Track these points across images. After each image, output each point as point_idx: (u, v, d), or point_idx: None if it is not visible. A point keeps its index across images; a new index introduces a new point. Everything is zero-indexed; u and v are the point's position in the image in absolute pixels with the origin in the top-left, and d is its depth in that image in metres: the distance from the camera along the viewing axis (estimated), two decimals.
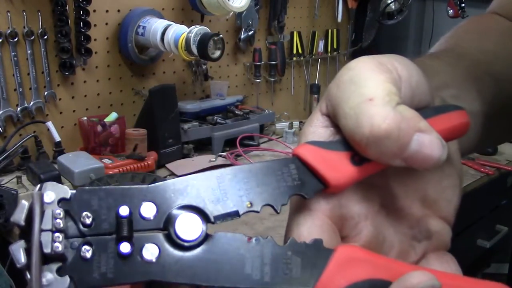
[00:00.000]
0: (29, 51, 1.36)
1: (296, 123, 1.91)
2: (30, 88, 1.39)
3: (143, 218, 0.30)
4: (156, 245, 0.30)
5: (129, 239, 0.29)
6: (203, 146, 1.64)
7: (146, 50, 1.59)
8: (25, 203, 0.28)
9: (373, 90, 0.30)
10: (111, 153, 1.41)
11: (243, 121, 1.71)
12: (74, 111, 1.51)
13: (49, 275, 0.28)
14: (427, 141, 0.29)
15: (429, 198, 0.35)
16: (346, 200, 0.33)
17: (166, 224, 0.30)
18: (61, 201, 0.29)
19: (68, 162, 1.28)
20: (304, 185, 0.32)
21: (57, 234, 0.28)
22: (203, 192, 0.31)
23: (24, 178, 1.27)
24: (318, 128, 0.34)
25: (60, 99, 1.47)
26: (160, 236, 0.30)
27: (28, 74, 1.38)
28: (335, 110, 0.32)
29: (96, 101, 1.56)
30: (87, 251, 0.29)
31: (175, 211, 0.31)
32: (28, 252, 0.28)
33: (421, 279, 0.28)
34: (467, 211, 1.50)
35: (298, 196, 0.32)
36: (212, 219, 0.31)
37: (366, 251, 0.31)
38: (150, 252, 0.30)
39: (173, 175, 1.43)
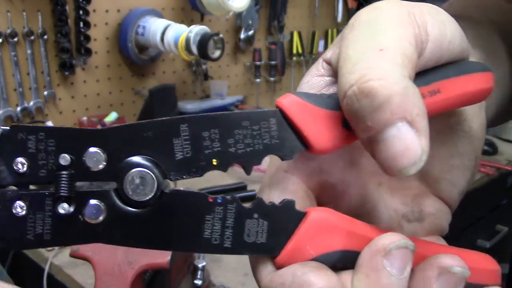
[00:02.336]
0: (29, 51, 1.36)
1: None
2: (30, 88, 1.39)
3: (88, 168, 0.26)
4: (102, 202, 0.26)
5: (68, 199, 0.26)
6: None
7: (146, 50, 1.59)
8: None
9: (389, 42, 0.24)
10: None
11: None
12: (74, 111, 1.51)
13: None
14: (407, 139, 0.23)
15: (430, 175, 0.30)
16: (328, 165, 0.29)
17: (114, 178, 0.26)
18: None
19: None
20: (283, 145, 0.27)
21: None
22: (163, 142, 0.26)
23: None
24: (313, 77, 0.29)
25: (60, 99, 1.47)
26: (107, 191, 0.26)
27: (28, 74, 1.38)
28: (339, 52, 0.26)
29: (96, 101, 1.56)
30: (20, 207, 0.25)
31: (126, 163, 0.26)
32: None
33: (392, 239, 0.25)
34: (467, 211, 1.50)
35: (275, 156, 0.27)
36: (170, 176, 0.27)
37: (341, 216, 0.27)
38: (94, 211, 0.26)
39: None
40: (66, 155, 0.25)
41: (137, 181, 0.26)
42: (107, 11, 1.52)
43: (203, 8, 1.58)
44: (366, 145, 0.25)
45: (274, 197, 0.28)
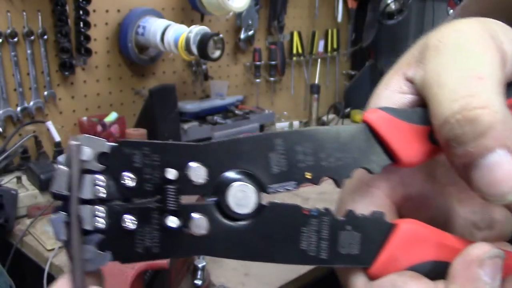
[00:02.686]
0: (29, 51, 1.36)
1: (296, 123, 1.91)
2: (30, 88, 1.39)
3: (191, 182, 0.27)
4: (205, 216, 0.27)
5: (175, 212, 0.26)
6: None
7: (146, 50, 1.59)
8: (64, 169, 0.26)
9: (486, 70, 0.25)
10: None
11: (243, 121, 1.71)
12: (74, 111, 1.51)
13: (90, 251, 0.26)
14: (508, 167, 0.24)
15: None
16: (410, 179, 0.30)
17: (216, 191, 0.27)
18: (100, 156, 0.26)
19: None
20: (371, 159, 0.28)
21: (98, 207, 0.26)
22: (260, 156, 0.27)
23: (24, 178, 1.27)
24: (395, 93, 0.29)
25: (60, 99, 1.47)
26: (209, 205, 0.27)
27: (28, 74, 1.38)
28: (428, 75, 0.27)
29: (96, 101, 1.56)
30: (130, 222, 0.26)
31: (227, 177, 0.27)
32: (68, 225, 0.25)
33: (484, 249, 0.26)
34: None
35: (363, 169, 0.28)
36: (267, 190, 0.28)
37: (430, 228, 0.28)
38: (198, 225, 0.27)
39: None
40: (173, 169, 0.26)
41: (239, 194, 0.27)
42: (107, 11, 1.52)
43: (203, 8, 1.58)
44: (460, 170, 0.25)
45: (358, 211, 0.29)
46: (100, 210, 0.26)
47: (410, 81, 0.29)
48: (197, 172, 0.27)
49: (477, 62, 0.25)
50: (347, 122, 2.13)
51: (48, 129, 1.42)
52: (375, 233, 0.28)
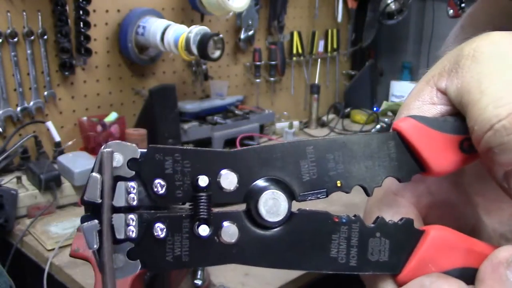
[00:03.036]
0: (29, 51, 1.36)
1: (296, 123, 1.91)
2: (30, 88, 1.39)
3: (222, 189, 0.27)
4: (236, 224, 0.27)
5: (206, 220, 0.26)
6: (203, 146, 1.63)
7: (146, 50, 1.59)
8: (96, 177, 0.26)
9: None
10: None
11: (243, 121, 1.71)
12: (74, 111, 1.51)
13: (120, 259, 0.26)
14: None
15: None
16: (436, 187, 0.30)
17: (247, 199, 0.27)
18: (131, 162, 0.26)
19: (68, 162, 1.27)
20: (401, 167, 0.28)
21: (130, 216, 0.26)
22: (290, 164, 0.27)
23: (24, 178, 1.27)
24: (426, 104, 0.29)
25: (60, 99, 1.47)
26: (239, 213, 0.27)
27: (28, 74, 1.38)
28: (467, 83, 0.27)
29: (96, 101, 1.56)
30: (160, 230, 0.26)
31: (258, 185, 0.27)
32: (100, 234, 0.25)
33: (511, 251, 0.26)
34: None
35: (392, 178, 0.28)
36: (298, 197, 0.28)
37: (459, 234, 0.28)
38: (229, 233, 0.27)
39: None
40: (204, 176, 0.26)
41: (271, 202, 0.27)
42: (107, 11, 1.52)
43: (203, 8, 1.58)
44: (500, 178, 0.25)
45: (386, 219, 0.29)
46: (132, 218, 0.26)
47: (443, 92, 0.29)
48: (229, 179, 0.27)
49: None
50: (347, 122, 2.13)
51: (48, 129, 1.42)
52: (404, 239, 0.28)
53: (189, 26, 1.45)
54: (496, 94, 0.25)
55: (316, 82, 2.23)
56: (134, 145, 0.26)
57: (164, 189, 0.26)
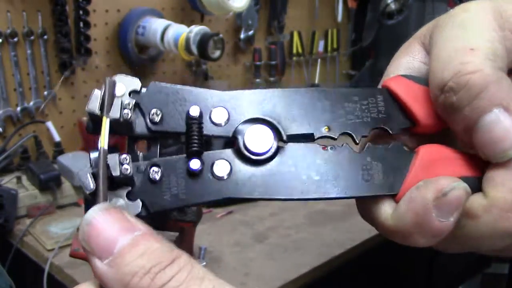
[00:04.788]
0: (29, 51, 1.36)
1: None
2: (30, 88, 1.39)
3: (213, 123, 0.29)
4: (227, 161, 0.28)
5: (198, 155, 0.28)
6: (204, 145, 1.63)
7: (146, 50, 1.59)
8: (98, 92, 0.29)
9: (479, 43, 0.26)
10: None
11: None
12: (74, 111, 1.51)
13: (120, 201, 0.27)
14: (505, 124, 0.25)
15: None
16: (421, 139, 0.31)
17: (235, 133, 0.29)
18: (132, 93, 0.29)
19: (68, 162, 1.27)
20: (390, 119, 0.29)
21: (124, 156, 0.27)
22: (280, 107, 0.29)
23: (24, 178, 1.27)
24: (416, 61, 0.30)
25: (60, 99, 1.47)
26: (229, 152, 0.29)
27: (28, 74, 1.38)
28: (432, 49, 0.29)
29: None
30: (155, 173, 0.28)
31: (247, 122, 0.29)
32: (95, 177, 0.27)
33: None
34: None
35: (381, 130, 0.29)
36: (285, 137, 0.29)
37: (450, 149, 0.28)
38: (221, 168, 0.28)
39: None
40: (196, 106, 0.28)
41: (258, 135, 0.28)
42: (107, 11, 1.52)
43: (203, 8, 1.58)
44: (462, 135, 0.27)
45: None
46: (125, 158, 0.27)
47: (427, 51, 0.30)
48: (219, 114, 0.29)
49: (472, 36, 0.27)
50: None
51: (48, 129, 1.42)
52: (396, 161, 0.28)
53: (189, 26, 1.45)
54: (445, 59, 0.26)
55: (316, 82, 2.23)
56: (137, 78, 0.28)
57: (159, 117, 0.28)
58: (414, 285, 1.48)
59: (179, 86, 0.29)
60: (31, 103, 1.39)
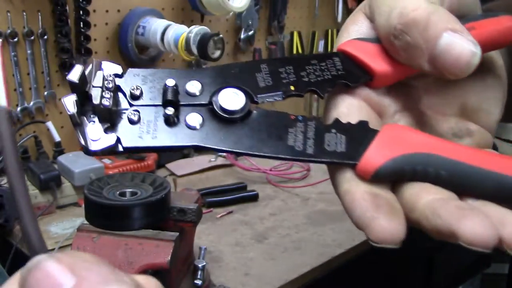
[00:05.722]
0: (29, 51, 1.36)
1: None
2: (30, 88, 1.39)
3: (188, 93, 0.31)
4: (201, 115, 0.31)
5: (174, 104, 0.30)
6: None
7: (146, 50, 1.59)
8: (80, 66, 0.31)
9: None
10: None
11: None
12: None
13: (98, 131, 0.29)
14: (458, 41, 0.28)
15: (468, 107, 0.34)
16: (383, 95, 0.33)
17: (210, 100, 0.31)
18: (114, 76, 0.32)
19: (68, 162, 1.28)
20: (349, 75, 0.32)
21: (106, 92, 0.30)
22: (247, 76, 0.32)
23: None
24: (362, 28, 0.34)
25: (60, 99, 1.47)
26: (204, 109, 0.31)
27: (28, 74, 1.38)
28: (373, 12, 0.33)
29: None
30: (133, 115, 0.30)
31: (220, 89, 0.31)
32: (79, 104, 0.29)
33: None
34: None
35: (342, 84, 0.32)
36: (256, 98, 0.32)
37: (414, 130, 0.30)
38: (194, 119, 0.30)
39: (173, 175, 1.43)
40: (172, 79, 0.31)
41: (230, 95, 0.31)
42: (107, 11, 1.52)
43: (203, 8, 1.58)
44: (430, 68, 0.29)
45: (343, 110, 0.32)
46: (108, 93, 0.30)
47: (370, 19, 0.34)
48: (194, 85, 0.31)
49: None
50: None
51: (48, 129, 1.42)
52: (359, 136, 0.30)
53: (189, 26, 1.45)
54: (387, 10, 0.31)
55: None
56: (119, 65, 0.32)
57: (139, 92, 0.31)
58: (414, 285, 1.48)
59: (154, 69, 0.32)
60: (31, 103, 1.39)
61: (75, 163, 1.27)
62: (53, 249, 1.04)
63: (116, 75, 0.32)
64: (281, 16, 2.01)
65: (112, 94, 0.30)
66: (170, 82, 0.31)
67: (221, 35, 1.46)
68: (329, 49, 2.26)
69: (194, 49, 1.41)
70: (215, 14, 1.62)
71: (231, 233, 1.14)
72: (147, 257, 0.70)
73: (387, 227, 0.27)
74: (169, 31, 1.46)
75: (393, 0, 0.30)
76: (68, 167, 1.26)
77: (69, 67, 1.43)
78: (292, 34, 2.10)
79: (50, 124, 1.41)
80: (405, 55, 0.30)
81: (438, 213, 0.27)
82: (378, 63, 0.32)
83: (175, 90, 0.31)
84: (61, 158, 1.31)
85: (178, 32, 1.44)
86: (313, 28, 2.19)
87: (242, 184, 1.35)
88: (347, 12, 2.33)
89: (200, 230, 1.06)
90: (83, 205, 0.75)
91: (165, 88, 0.31)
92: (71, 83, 0.30)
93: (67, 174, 1.26)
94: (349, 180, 0.29)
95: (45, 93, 1.42)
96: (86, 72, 0.31)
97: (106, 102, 0.29)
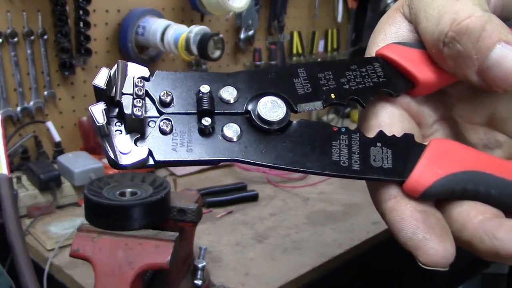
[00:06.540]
0: (29, 51, 1.36)
1: None
2: (30, 88, 1.39)
3: (222, 100, 0.29)
4: (238, 125, 0.28)
5: (210, 114, 0.28)
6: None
7: (146, 50, 1.59)
8: (106, 69, 0.28)
9: None
10: None
11: None
12: (74, 111, 1.51)
13: (128, 143, 0.27)
14: (511, 53, 0.26)
15: (497, 116, 0.32)
16: (422, 103, 0.32)
17: (247, 108, 0.29)
18: (141, 79, 0.29)
19: (68, 162, 1.28)
20: (391, 82, 0.30)
21: (137, 100, 0.27)
22: (285, 81, 0.30)
23: (24, 178, 1.27)
24: (402, 30, 0.32)
25: (60, 99, 1.47)
26: (241, 118, 0.29)
27: (28, 74, 1.38)
28: (417, 15, 0.30)
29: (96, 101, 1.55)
30: (166, 125, 0.28)
31: (256, 96, 0.29)
32: (107, 113, 0.27)
33: None
34: None
35: (385, 92, 0.30)
36: (296, 108, 0.29)
37: (461, 145, 0.29)
38: (231, 130, 0.28)
39: (173, 175, 1.43)
40: (206, 85, 0.28)
41: (270, 104, 0.29)
42: (107, 11, 1.52)
43: (203, 8, 1.58)
44: (475, 81, 0.28)
45: (384, 119, 0.31)
46: (139, 101, 0.27)
47: (409, 21, 0.32)
48: (229, 91, 0.29)
49: None
50: (346, 122, 2.13)
51: (48, 129, 1.42)
52: (406, 150, 0.28)
53: (189, 26, 1.45)
54: (437, 15, 0.28)
55: None
56: (145, 67, 0.29)
57: (169, 98, 0.28)
58: (414, 285, 1.48)
59: (183, 72, 0.30)
60: (31, 103, 1.39)
61: (75, 163, 1.27)
62: (52, 249, 1.04)
63: (143, 78, 0.29)
64: (281, 16, 2.01)
65: (144, 102, 0.28)
66: (205, 89, 0.28)
67: (221, 35, 1.46)
68: (329, 49, 2.26)
69: (194, 49, 1.41)
70: (215, 14, 1.62)
71: (231, 233, 1.14)
72: (147, 257, 0.70)
73: (440, 250, 0.26)
74: (169, 31, 1.46)
75: (442, 4, 0.28)
76: (68, 167, 1.26)
77: (69, 67, 1.43)
78: (292, 34, 2.10)
79: (50, 124, 1.41)
80: (452, 64, 0.28)
81: (494, 234, 0.25)
82: (422, 71, 0.30)
83: (211, 97, 0.28)
84: (61, 158, 1.31)
85: (178, 32, 1.44)
86: (313, 28, 2.19)
87: (242, 184, 1.35)
88: (347, 12, 2.33)
89: (200, 230, 1.06)
90: (83, 205, 0.75)
91: (200, 96, 0.28)
92: (96, 89, 0.27)
93: (67, 174, 1.26)
94: (395, 197, 0.28)
95: (45, 93, 1.42)
96: (107, 74, 0.28)
97: (138, 112, 0.27)
